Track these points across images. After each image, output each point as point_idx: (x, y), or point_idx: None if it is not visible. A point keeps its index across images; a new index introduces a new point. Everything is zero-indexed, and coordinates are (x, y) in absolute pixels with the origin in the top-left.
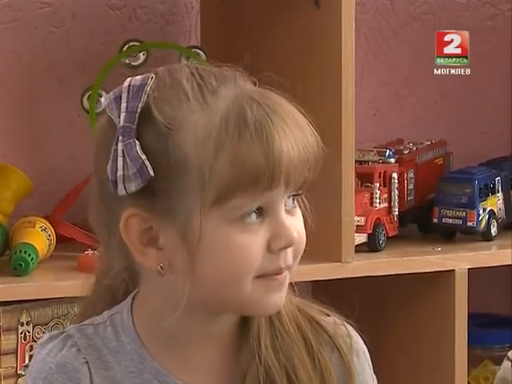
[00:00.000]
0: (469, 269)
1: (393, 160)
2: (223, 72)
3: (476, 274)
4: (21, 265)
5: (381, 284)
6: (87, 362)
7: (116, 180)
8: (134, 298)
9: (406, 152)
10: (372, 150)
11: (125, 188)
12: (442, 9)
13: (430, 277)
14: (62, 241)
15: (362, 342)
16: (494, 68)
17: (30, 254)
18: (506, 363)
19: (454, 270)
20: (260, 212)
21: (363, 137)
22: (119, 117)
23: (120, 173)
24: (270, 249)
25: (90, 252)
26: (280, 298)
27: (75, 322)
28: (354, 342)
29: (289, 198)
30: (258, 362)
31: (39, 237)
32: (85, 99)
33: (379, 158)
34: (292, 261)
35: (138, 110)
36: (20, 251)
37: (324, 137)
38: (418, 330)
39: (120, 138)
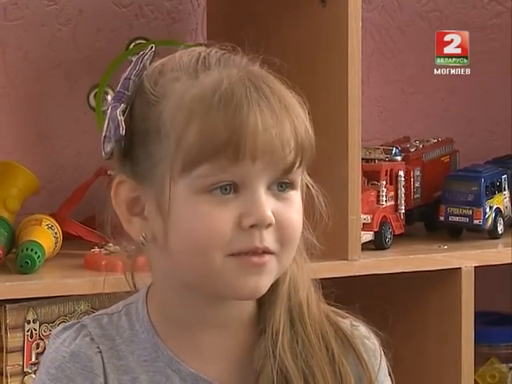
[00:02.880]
0: (475, 267)
1: (399, 158)
2: (228, 56)
3: (482, 272)
4: (27, 263)
5: (387, 282)
6: (100, 352)
7: (103, 142)
8: (148, 289)
9: (412, 150)
10: (378, 148)
11: (104, 149)
12: (448, 6)
13: (436, 275)
14: (68, 239)
15: (378, 343)
16: (501, 66)
17: (36, 252)
18: None
19: (460, 268)
20: (235, 187)
21: (369, 135)
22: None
23: (104, 134)
24: (240, 225)
25: (96, 250)
26: (257, 282)
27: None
28: (371, 343)
29: (277, 183)
30: (273, 362)
31: (46, 235)
32: (91, 97)
33: (386, 155)
34: (276, 246)
35: (132, 77)
36: (26, 249)
37: (330, 135)
38: (424, 328)
39: (111, 101)
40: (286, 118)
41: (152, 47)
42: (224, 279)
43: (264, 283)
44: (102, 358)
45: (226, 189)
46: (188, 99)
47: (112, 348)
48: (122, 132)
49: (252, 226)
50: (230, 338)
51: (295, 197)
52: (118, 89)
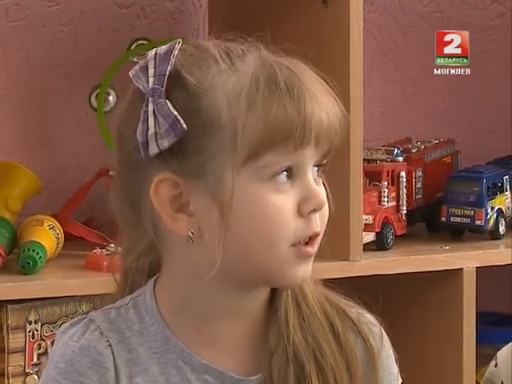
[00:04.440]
0: (477, 267)
1: (401, 159)
2: (248, 45)
3: (484, 273)
4: (29, 263)
5: (389, 283)
6: (110, 345)
7: (147, 140)
8: (155, 281)
9: (414, 151)
10: (380, 149)
11: (157, 146)
12: (449, 7)
13: (438, 275)
14: (70, 239)
15: (383, 331)
16: (502, 66)
17: (38, 253)
18: (492, 363)
19: (462, 269)
20: (290, 173)
21: (371, 135)
22: (147, 82)
23: (151, 131)
24: (300, 212)
25: (98, 250)
26: (308, 269)
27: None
28: (377, 330)
29: (314, 166)
30: (287, 341)
31: (47, 235)
32: (93, 97)
33: (387, 156)
34: (320, 228)
35: (167, 73)
36: (28, 250)
37: None
38: (426, 329)
39: (150, 99)
40: (334, 101)
41: (179, 42)
42: (281, 269)
43: (310, 269)
44: (112, 352)
45: (286, 175)
46: (240, 89)
47: (122, 341)
48: (184, 126)
49: (309, 212)
50: (244, 327)
51: (321, 179)
52: (150, 86)
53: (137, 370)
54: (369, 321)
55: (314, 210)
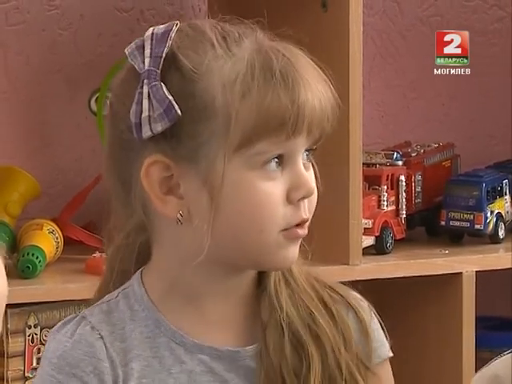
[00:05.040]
0: (476, 271)
1: (400, 163)
2: (243, 27)
3: (484, 277)
4: (28, 267)
5: (388, 287)
6: (102, 337)
7: (141, 122)
8: (142, 272)
9: (413, 154)
10: (379, 153)
11: (151, 129)
12: (449, 11)
13: (437, 279)
14: (69, 243)
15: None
16: (502, 70)
17: (37, 257)
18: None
19: (461, 273)
20: (280, 161)
21: (371, 139)
22: (143, 62)
23: (145, 114)
24: (289, 199)
25: (97, 254)
26: (296, 251)
27: (92, 302)
28: (365, 305)
29: (304, 152)
30: (280, 312)
31: (47, 239)
32: (92, 101)
33: (387, 160)
34: (308, 214)
35: (163, 55)
36: (28, 254)
37: (331, 139)
38: (425, 333)
39: (145, 81)
40: (328, 87)
41: (177, 24)
42: (270, 252)
43: (297, 251)
44: (105, 344)
45: (276, 162)
46: (236, 75)
47: (114, 332)
48: (178, 111)
49: (299, 199)
50: (235, 305)
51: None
52: (146, 67)
53: (131, 356)
54: (357, 297)
55: (303, 198)
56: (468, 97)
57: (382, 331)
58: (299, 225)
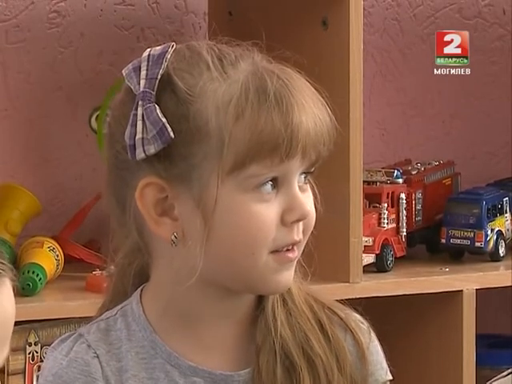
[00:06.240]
0: (477, 289)
1: (401, 180)
2: (241, 49)
3: (484, 295)
4: (29, 285)
5: (389, 304)
6: (97, 356)
7: (135, 144)
8: (142, 290)
9: (413, 172)
10: (380, 171)
11: (144, 151)
12: (449, 29)
13: (438, 297)
14: (69, 261)
15: (371, 330)
16: (502, 88)
17: (38, 275)
18: None
19: (462, 291)
20: (275, 183)
21: (371, 157)
22: (139, 84)
23: (139, 136)
24: (283, 221)
25: (97, 272)
26: (290, 275)
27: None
28: (365, 327)
29: (301, 174)
30: (274, 335)
31: (47, 257)
32: (93, 119)
33: (387, 178)
34: (302, 236)
35: (159, 77)
36: (28, 271)
37: (332, 157)
38: (426, 351)
39: (140, 102)
40: (324, 110)
41: (173, 45)
42: (262, 276)
43: (292, 276)
44: (100, 362)
45: (271, 185)
46: (230, 97)
47: (110, 351)
48: (171, 134)
49: (293, 222)
50: (232, 326)
51: (308, 185)
52: (141, 89)
53: (127, 377)
54: (356, 318)
55: (298, 220)
56: (468, 115)
57: (381, 354)
58: (290, 249)
